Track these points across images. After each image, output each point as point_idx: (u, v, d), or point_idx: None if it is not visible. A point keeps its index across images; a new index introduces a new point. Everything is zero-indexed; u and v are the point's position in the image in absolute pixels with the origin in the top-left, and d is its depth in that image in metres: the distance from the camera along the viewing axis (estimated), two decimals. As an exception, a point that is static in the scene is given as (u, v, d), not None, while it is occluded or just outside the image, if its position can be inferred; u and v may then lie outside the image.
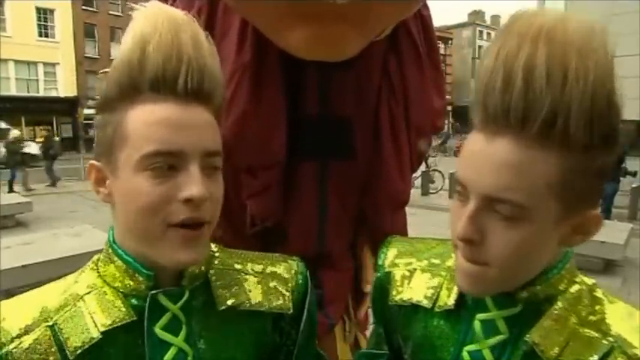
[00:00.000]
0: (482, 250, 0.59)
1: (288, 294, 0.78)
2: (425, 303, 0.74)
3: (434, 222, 6.32)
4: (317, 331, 0.86)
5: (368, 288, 1.25)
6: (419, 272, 0.78)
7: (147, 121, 0.61)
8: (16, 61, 24.76)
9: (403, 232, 1.29)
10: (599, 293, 0.66)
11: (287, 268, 0.82)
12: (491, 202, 0.57)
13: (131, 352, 0.66)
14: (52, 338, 0.63)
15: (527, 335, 0.61)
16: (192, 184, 0.61)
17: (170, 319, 0.68)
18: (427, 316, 0.74)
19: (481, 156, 0.57)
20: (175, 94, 0.63)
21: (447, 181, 10.91)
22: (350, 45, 0.92)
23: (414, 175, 1.62)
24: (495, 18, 68.05)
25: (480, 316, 0.67)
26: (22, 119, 25.08)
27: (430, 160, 11.64)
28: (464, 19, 61.14)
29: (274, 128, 1.07)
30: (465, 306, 0.69)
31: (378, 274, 0.84)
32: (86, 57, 27.50)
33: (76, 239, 5.28)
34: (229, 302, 0.72)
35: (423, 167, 10.08)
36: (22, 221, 8.45)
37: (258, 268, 0.80)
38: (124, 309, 0.65)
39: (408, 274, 0.79)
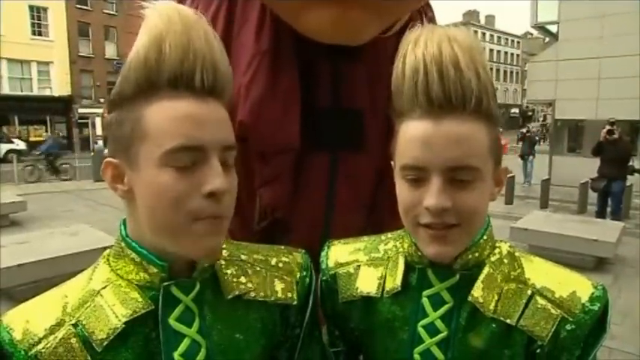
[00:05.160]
0: (452, 215, 0.68)
1: (293, 285, 0.80)
2: (374, 293, 0.81)
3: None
4: (321, 323, 0.88)
5: None
6: (363, 267, 0.85)
7: (168, 117, 0.63)
8: (9, 60, 24.59)
9: None
10: (516, 253, 0.80)
11: (292, 260, 0.84)
12: (451, 172, 0.67)
13: (148, 342, 0.67)
14: (77, 336, 0.65)
15: (470, 297, 0.73)
16: (215, 177, 0.63)
17: (183, 310, 0.69)
18: (379, 304, 0.81)
19: (433, 138, 0.67)
20: (192, 91, 0.64)
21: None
22: (367, 30, 0.95)
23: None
24: (490, 18, 68.33)
25: (426, 292, 0.77)
26: (16, 118, 24.93)
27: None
28: (458, 19, 61.30)
29: (290, 113, 1.09)
30: (411, 287, 0.79)
31: (324, 278, 0.89)
32: (80, 56, 27.36)
33: (73, 238, 5.27)
34: (236, 292, 0.74)
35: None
36: (17, 220, 8.40)
37: (264, 259, 0.81)
38: (141, 299, 0.67)
39: (353, 271, 0.85)
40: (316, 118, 1.12)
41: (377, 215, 1.22)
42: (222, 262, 0.76)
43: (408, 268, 0.80)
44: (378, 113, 1.16)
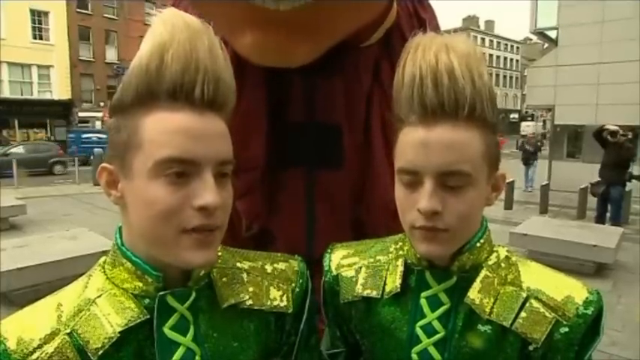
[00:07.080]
0: (441, 219, 0.70)
1: (288, 293, 0.80)
2: (374, 294, 0.83)
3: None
4: (318, 331, 0.88)
5: None
6: (364, 269, 0.87)
7: (164, 128, 0.62)
8: (10, 64, 24.64)
9: None
10: (513, 258, 0.81)
11: (288, 268, 0.83)
12: (443, 176, 0.69)
13: (143, 351, 0.67)
14: (72, 345, 0.65)
15: (466, 299, 0.75)
16: (207, 192, 0.62)
17: (178, 319, 0.69)
18: (379, 306, 0.83)
19: (427, 143, 0.70)
20: (191, 103, 0.64)
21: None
22: (299, 51, 0.91)
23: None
24: (489, 23, 68.58)
25: (425, 294, 0.79)
26: (16, 122, 24.96)
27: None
28: (458, 24, 61.50)
29: (253, 133, 1.07)
30: (410, 289, 0.81)
31: (326, 279, 0.91)
32: (80, 60, 27.41)
33: (72, 242, 5.27)
34: (232, 300, 0.73)
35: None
36: (16, 224, 8.40)
37: (260, 267, 0.81)
38: (136, 309, 0.66)
39: (354, 272, 0.88)
40: (290, 134, 1.10)
41: (362, 231, 1.19)
42: (218, 271, 0.75)
43: (408, 270, 0.81)
44: (356, 127, 1.14)
